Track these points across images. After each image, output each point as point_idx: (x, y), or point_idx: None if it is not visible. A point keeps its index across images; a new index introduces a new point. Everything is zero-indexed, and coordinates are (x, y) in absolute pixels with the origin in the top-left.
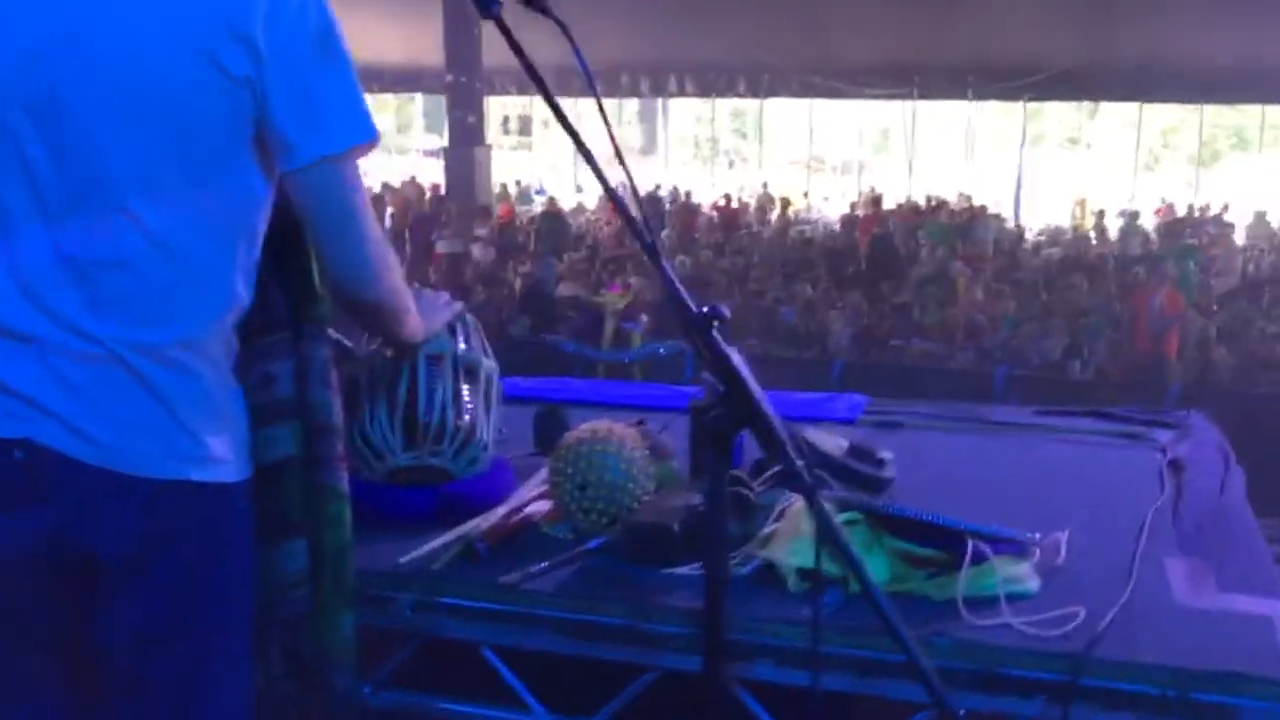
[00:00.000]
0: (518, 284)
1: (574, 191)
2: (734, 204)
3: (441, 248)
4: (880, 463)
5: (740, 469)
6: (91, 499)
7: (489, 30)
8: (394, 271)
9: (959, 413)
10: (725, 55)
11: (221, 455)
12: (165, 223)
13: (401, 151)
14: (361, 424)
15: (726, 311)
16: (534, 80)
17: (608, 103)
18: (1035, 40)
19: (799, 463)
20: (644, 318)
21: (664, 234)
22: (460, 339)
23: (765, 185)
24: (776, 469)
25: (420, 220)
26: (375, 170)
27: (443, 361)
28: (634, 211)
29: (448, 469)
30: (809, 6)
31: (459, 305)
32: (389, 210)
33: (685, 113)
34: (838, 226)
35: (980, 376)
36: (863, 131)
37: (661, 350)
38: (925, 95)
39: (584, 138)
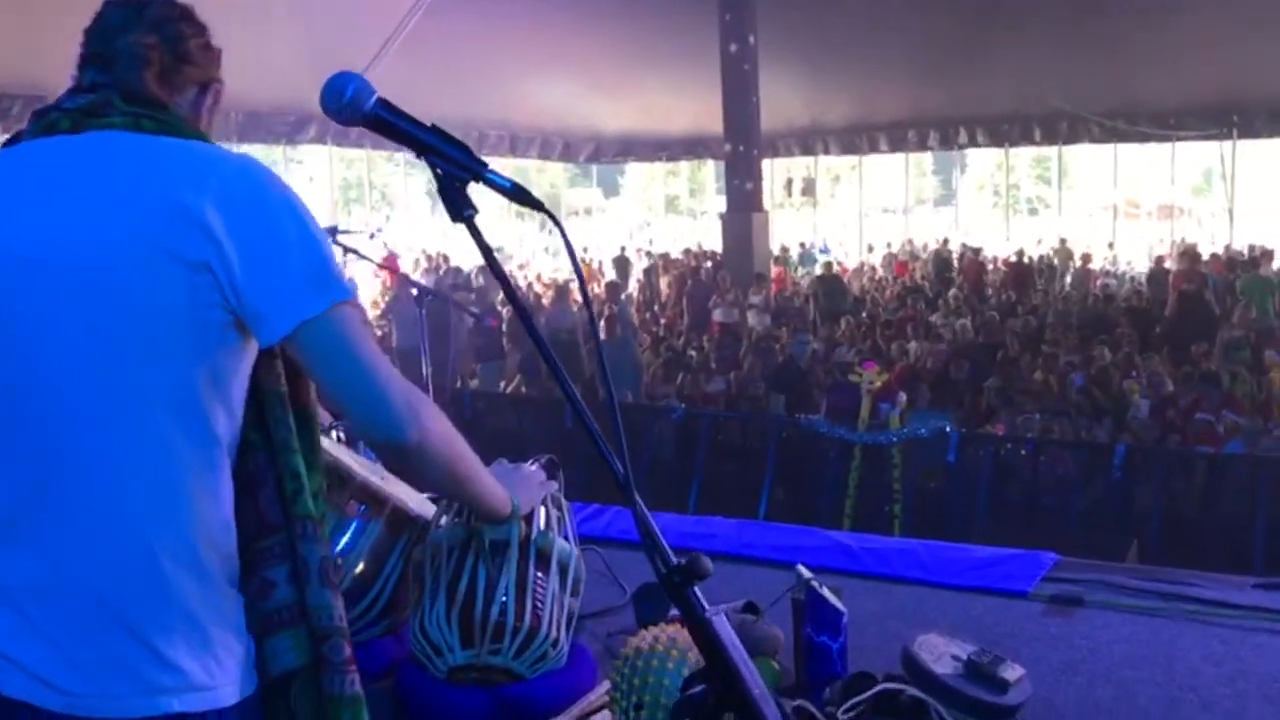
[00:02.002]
0: None
1: (863, 251)
2: (1027, 259)
3: (718, 316)
4: (1002, 685)
5: (833, 680)
6: None
7: (768, 97)
8: (430, 413)
9: (1158, 584)
10: (1018, 104)
11: (205, 680)
12: (115, 416)
13: (692, 215)
14: (420, 617)
15: (709, 566)
16: (495, 273)
17: (898, 157)
18: None
19: None
20: (902, 396)
21: (951, 293)
22: (536, 522)
23: (1063, 240)
24: (873, 691)
25: (698, 288)
26: (664, 234)
27: (508, 550)
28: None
29: (510, 669)
30: (1107, 49)
31: (553, 485)
32: (664, 280)
33: (984, 160)
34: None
35: None
36: (1179, 172)
37: (923, 432)
38: (1246, 134)
39: (877, 191)
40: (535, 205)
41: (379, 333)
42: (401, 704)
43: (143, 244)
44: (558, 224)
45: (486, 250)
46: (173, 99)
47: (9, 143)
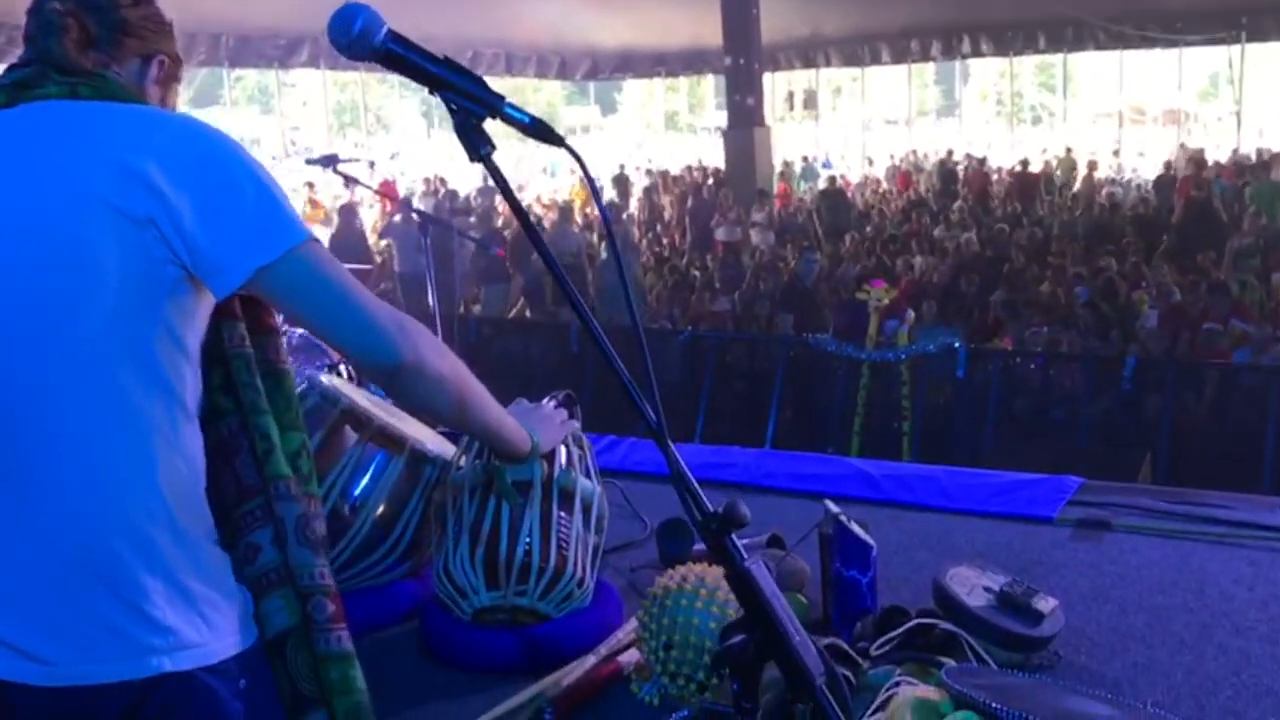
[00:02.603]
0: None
1: (865, 165)
2: (1033, 168)
3: (720, 235)
4: (1037, 617)
5: (865, 615)
6: None
7: (768, 9)
8: (427, 339)
9: (1184, 506)
10: (1022, 11)
11: (195, 638)
12: (78, 378)
13: (692, 130)
14: (444, 559)
15: (745, 513)
16: (510, 204)
17: (900, 68)
18: None
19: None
20: (910, 313)
21: (956, 205)
22: (558, 460)
23: (1069, 150)
24: (905, 628)
25: (700, 207)
26: (662, 151)
27: (530, 490)
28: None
29: (537, 609)
30: None
31: (574, 424)
32: (666, 199)
33: (987, 69)
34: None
35: None
36: (1185, 77)
37: (931, 348)
38: (1255, 37)
39: (879, 103)
40: (557, 141)
41: (379, 258)
42: (427, 646)
43: (90, 203)
44: (580, 161)
45: (506, 188)
46: (109, 69)
47: None
